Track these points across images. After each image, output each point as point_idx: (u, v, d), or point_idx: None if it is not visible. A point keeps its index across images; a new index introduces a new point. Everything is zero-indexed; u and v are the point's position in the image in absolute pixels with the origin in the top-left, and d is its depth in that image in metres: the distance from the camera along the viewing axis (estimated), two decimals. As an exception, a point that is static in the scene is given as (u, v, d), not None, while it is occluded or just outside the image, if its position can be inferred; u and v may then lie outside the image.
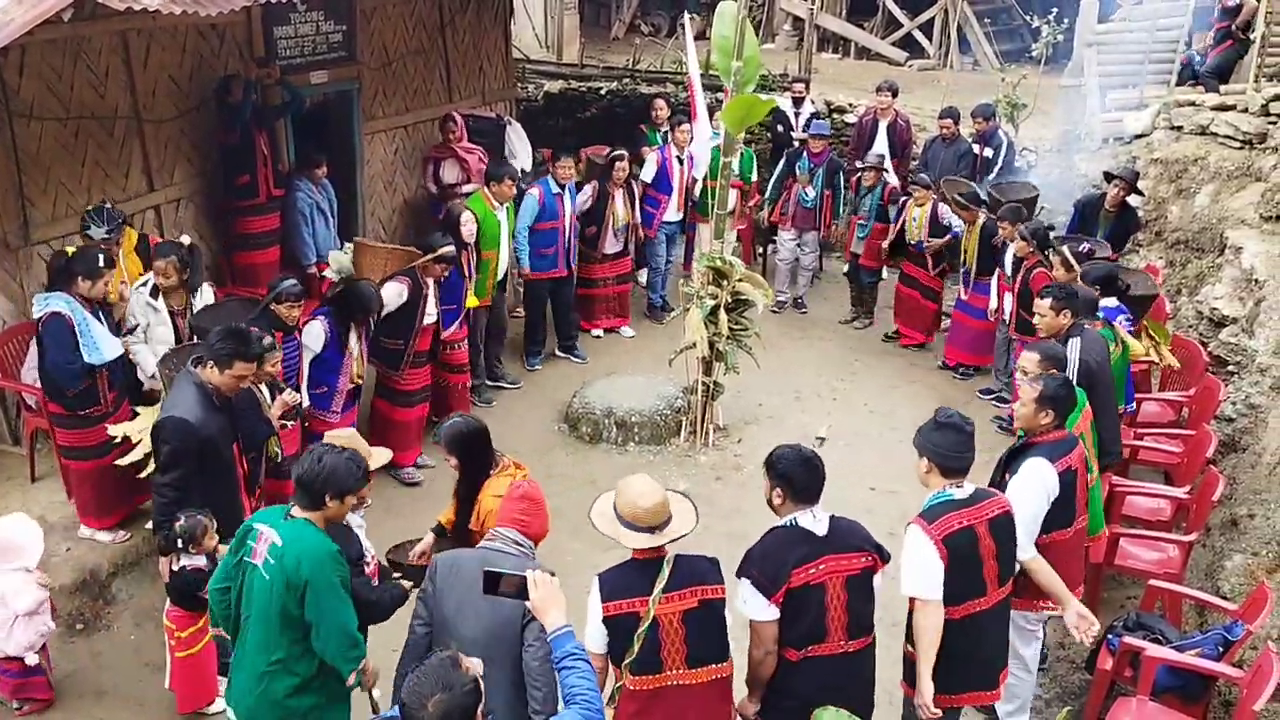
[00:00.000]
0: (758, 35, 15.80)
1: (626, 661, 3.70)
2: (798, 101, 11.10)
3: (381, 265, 6.70)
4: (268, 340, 5.26)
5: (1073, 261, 6.78)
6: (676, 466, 7.58)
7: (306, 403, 6.25)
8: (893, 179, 9.90)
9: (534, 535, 3.79)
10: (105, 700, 5.34)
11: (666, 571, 3.69)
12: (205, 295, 6.36)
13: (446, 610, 3.59)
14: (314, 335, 6.26)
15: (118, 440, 5.65)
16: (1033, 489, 4.51)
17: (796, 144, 10.51)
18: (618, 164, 8.99)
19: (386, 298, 6.63)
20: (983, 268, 8.45)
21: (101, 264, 5.73)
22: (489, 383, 8.42)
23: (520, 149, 10.21)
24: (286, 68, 8.23)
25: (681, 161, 9.52)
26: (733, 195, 9.60)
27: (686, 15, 9.98)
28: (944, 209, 8.97)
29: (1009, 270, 7.96)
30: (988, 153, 9.86)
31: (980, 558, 4.12)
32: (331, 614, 3.75)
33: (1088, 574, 5.75)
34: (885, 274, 9.94)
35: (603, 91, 13.65)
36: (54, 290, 5.73)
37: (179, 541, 4.73)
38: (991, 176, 9.67)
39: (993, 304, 8.31)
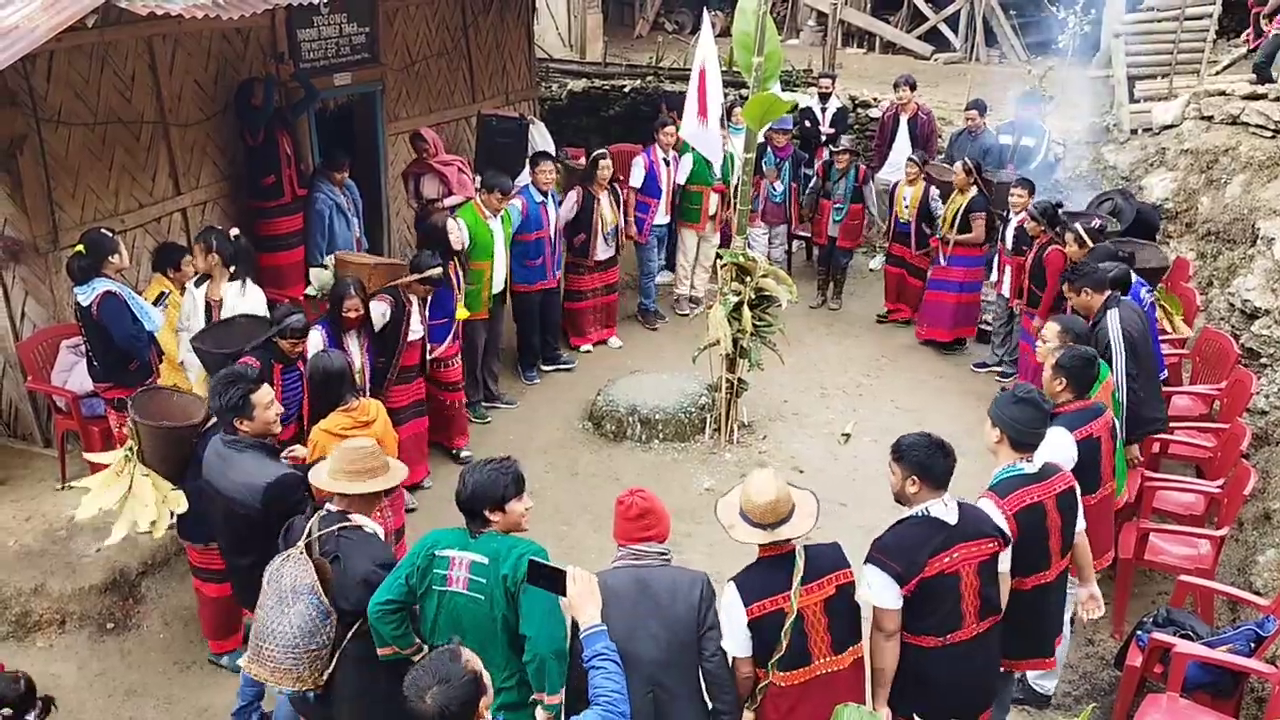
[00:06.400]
0: (781, 31, 15.83)
1: (774, 660, 3.70)
2: (824, 97, 11.08)
3: (365, 279, 6.39)
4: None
5: (1085, 238, 6.96)
6: (701, 464, 7.55)
7: None
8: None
9: (664, 536, 3.75)
10: (134, 699, 5.39)
11: (800, 563, 3.70)
12: (251, 292, 6.30)
13: (616, 637, 3.40)
14: (315, 346, 5.98)
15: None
16: (1051, 456, 4.58)
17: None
18: (600, 164, 8.74)
19: (372, 317, 6.34)
20: (962, 228, 8.79)
21: (110, 233, 6.00)
22: (484, 403, 8.17)
23: (544, 149, 10.22)
24: (310, 70, 8.28)
25: (668, 163, 9.42)
26: (715, 198, 9.60)
27: (707, 11, 9.93)
28: (934, 193, 9.16)
29: (1009, 245, 8.22)
30: (1028, 142, 9.79)
31: (1047, 531, 4.24)
32: (551, 601, 3.55)
33: (1118, 569, 5.72)
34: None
35: (626, 90, 13.65)
36: (89, 280, 5.81)
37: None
38: (1033, 166, 9.56)
39: (993, 275, 8.65)
